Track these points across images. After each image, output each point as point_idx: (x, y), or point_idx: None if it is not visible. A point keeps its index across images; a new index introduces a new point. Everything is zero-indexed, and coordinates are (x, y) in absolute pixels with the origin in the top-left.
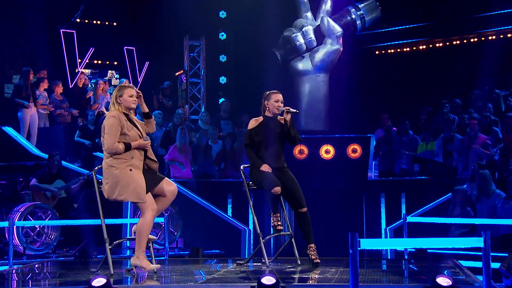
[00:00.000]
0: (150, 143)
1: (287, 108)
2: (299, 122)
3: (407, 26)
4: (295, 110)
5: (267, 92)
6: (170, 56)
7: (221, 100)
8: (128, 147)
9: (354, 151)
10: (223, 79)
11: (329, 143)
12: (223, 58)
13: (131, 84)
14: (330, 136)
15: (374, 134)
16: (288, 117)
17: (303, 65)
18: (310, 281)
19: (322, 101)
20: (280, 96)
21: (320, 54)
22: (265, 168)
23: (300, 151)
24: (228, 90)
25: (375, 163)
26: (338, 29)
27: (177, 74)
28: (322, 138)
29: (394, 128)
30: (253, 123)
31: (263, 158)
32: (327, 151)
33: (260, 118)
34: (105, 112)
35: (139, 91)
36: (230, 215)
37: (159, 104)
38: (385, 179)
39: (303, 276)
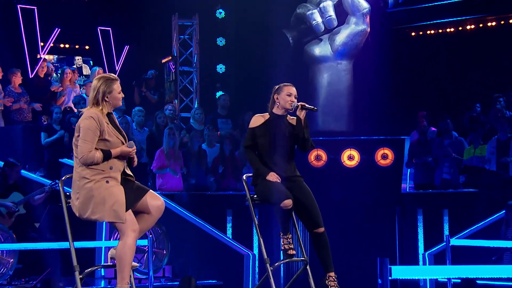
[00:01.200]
0: (135, 150)
1: (302, 103)
2: (315, 121)
3: (452, 1)
4: (312, 107)
5: (277, 86)
6: (156, 39)
7: (218, 93)
8: (107, 156)
9: (384, 157)
10: (221, 68)
11: (353, 147)
12: (221, 42)
13: (115, 76)
14: (354, 138)
15: (409, 136)
16: (303, 114)
17: (320, 50)
18: None
19: (344, 95)
20: (293, 89)
21: (342, 37)
22: (273, 177)
23: (317, 157)
24: (228, 82)
25: (410, 172)
26: (364, 4)
27: (164, 61)
28: (344, 141)
29: (433, 129)
30: (257, 120)
31: (269, 165)
32: (350, 157)
33: (267, 115)
34: (74, 108)
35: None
36: (230, 237)
37: (141, 98)
38: (423, 192)
39: None
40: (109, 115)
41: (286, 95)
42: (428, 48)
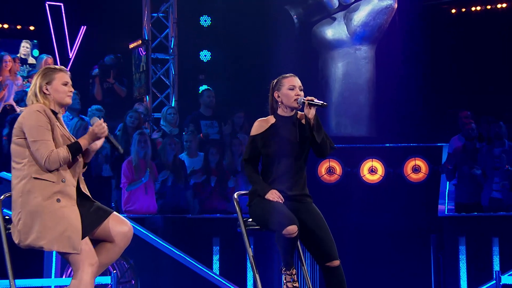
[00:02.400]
0: (106, 126)
1: (310, 98)
2: (327, 124)
3: None
4: (321, 102)
5: (275, 80)
6: (121, 17)
7: (202, 88)
8: (75, 148)
9: (416, 169)
10: (205, 55)
11: (375, 157)
12: (205, 21)
13: (62, 66)
14: (377, 146)
15: (449, 143)
16: (312, 113)
17: (334, 32)
18: None
19: (364, 90)
20: (296, 81)
21: (361, 15)
22: (273, 196)
23: (330, 169)
24: (214, 73)
25: (450, 189)
26: None
27: (132, 46)
28: (365, 150)
29: (480, 134)
30: (259, 126)
31: (272, 181)
32: (372, 170)
33: (271, 119)
34: (16, 107)
35: (104, 126)
36: (217, 272)
37: (104, 92)
38: (466, 215)
39: None
40: (55, 114)
41: (288, 90)
42: (473, 30)
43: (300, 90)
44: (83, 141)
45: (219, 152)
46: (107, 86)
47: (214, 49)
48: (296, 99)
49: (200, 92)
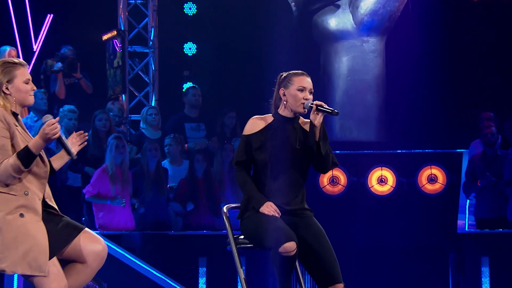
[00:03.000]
0: (57, 126)
1: (319, 103)
2: (331, 127)
3: None
4: (331, 109)
5: (284, 74)
6: (93, 4)
7: (186, 85)
8: (25, 156)
9: (431, 179)
10: (190, 48)
11: (385, 166)
12: (190, 9)
13: (21, 60)
14: (387, 152)
15: (469, 149)
16: (318, 119)
17: (337, 21)
18: None
19: (373, 88)
20: (307, 81)
21: (369, 2)
22: (269, 209)
23: (333, 179)
24: (200, 68)
25: (470, 201)
26: None
27: (105, 37)
28: (373, 157)
29: (504, 139)
30: (254, 125)
31: (266, 193)
32: (382, 180)
33: (269, 117)
34: None
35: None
36: None
37: (68, 89)
38: (489, 231)
39: None
40: (15, 116)
41: (297, 90)
42: (498, 20)
43: (310, 93)
44: (34, 145)
45: (206, 159)
46: (69, 83)
47: (200, 41)
48: (303, 103)
49: (184, 90)
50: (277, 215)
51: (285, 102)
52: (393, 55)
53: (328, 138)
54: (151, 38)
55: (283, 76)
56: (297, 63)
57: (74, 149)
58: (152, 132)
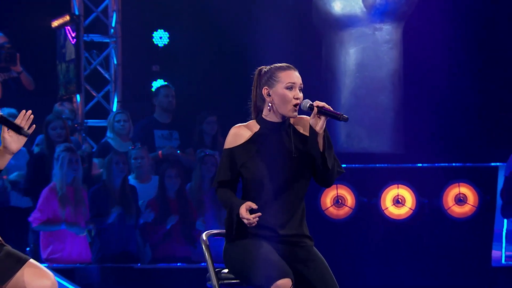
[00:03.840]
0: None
1: (320, 104)
2: (335, 134)
3: None
4: (338, 113)
5: (265, 68)
6: None
7: (156, 83)
8: None
9: (460, 200)
10: (161, 37)
11: (403, 183)
12: None
13: None
14: (405, 166)
15: (506, 162)
16: (321, 124)
17: (343, 4)
18: None
19: (388, 87)
20: (296, 76)
21: None
22: (247, 216)
23: (338, 199)
24: (174, 62)
25: (508, 227)
26: None
27: (55, 24)
28: (388, 172)
29: None
30: (237, 135)
31: (260, 214)
32: (398, 201)
33: (253, 125)
34: None
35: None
36: None
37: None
38: None
39: None
40: None
41: (286, 89)
42: None
43: (300, 90)
44: None
45: (180, 175)
46: (6, 78)
47: (173, 28)
48: (295, 105)
49: (154, 89)
50: (252, 221)
51: (270, 105)
52: (412, 47)
53: (332, 146)
54: (113, 25)
55: (263, 71)
56: (292, 56)
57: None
58: (121, 143)
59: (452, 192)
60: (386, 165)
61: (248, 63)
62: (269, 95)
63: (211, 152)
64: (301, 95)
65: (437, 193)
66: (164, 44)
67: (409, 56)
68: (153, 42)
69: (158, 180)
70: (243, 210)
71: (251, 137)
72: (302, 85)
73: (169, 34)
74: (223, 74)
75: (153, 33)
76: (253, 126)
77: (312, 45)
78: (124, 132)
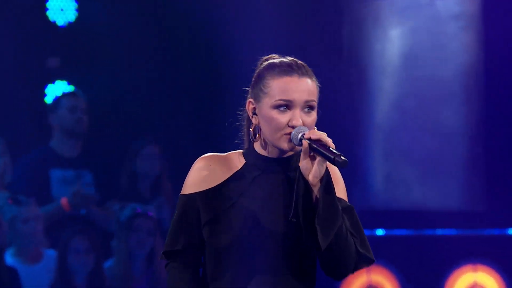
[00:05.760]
0: None
1: (315, 135)
2: (366, 178)
3: None
4: (335, 153)
5: (272, 59)
6: None
7: (55, 88)
8: None
9: None
10: (63, 9)
11: (483, 261)
12: None
13: None
14: (486, 233)
15: None
16: (317, 170)
17: None
18: None
19: (458, 96)
20: (295, 87)
21: None
22: None
23: None
24: (85, 54)
25: None
26: None
27: None
28: (457, 242)
29: None
30: (204, 172)
31: None
32: None
33: (235, 158)
34: None
35: None
36: None
37: None
38: None
39: None
40: None
41: (272, 108)
42: None
43: (308, 109)
44: None
45: (95, 248)
46: None
47: (84, 9)
48: (287, 133)
49: (50, 99)
50: None
51: (258, 130)
52: (499, 27)
53: (339, 207)
54: None
55: (263, 66)
56: (293, 44)
57: None
58: None
59: None
60: (454, 231)
61: (221, 55)
62: (255, 113)
63: (147, 210)
64: (307, 118)
65: None
66: (69, 22)
67: (493, 43)
68: (47, 18)
69: (57, 258)
70: None
71: (228, 179)
72: (313, 102)
73: (77, 4)
74: (174, 72)
75: (47, 1)
76: (235, 160)
77: (328, 26)
78: None
